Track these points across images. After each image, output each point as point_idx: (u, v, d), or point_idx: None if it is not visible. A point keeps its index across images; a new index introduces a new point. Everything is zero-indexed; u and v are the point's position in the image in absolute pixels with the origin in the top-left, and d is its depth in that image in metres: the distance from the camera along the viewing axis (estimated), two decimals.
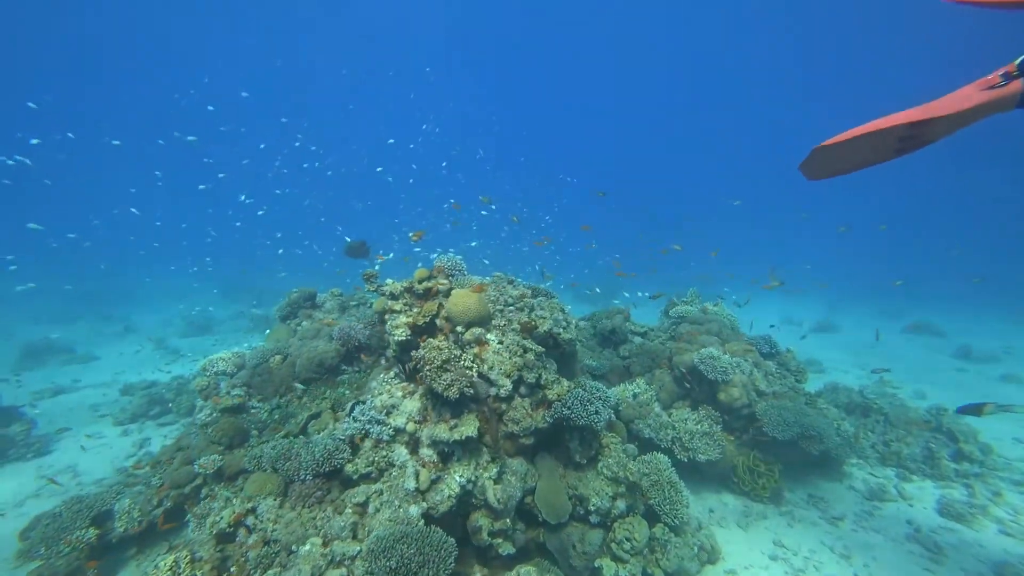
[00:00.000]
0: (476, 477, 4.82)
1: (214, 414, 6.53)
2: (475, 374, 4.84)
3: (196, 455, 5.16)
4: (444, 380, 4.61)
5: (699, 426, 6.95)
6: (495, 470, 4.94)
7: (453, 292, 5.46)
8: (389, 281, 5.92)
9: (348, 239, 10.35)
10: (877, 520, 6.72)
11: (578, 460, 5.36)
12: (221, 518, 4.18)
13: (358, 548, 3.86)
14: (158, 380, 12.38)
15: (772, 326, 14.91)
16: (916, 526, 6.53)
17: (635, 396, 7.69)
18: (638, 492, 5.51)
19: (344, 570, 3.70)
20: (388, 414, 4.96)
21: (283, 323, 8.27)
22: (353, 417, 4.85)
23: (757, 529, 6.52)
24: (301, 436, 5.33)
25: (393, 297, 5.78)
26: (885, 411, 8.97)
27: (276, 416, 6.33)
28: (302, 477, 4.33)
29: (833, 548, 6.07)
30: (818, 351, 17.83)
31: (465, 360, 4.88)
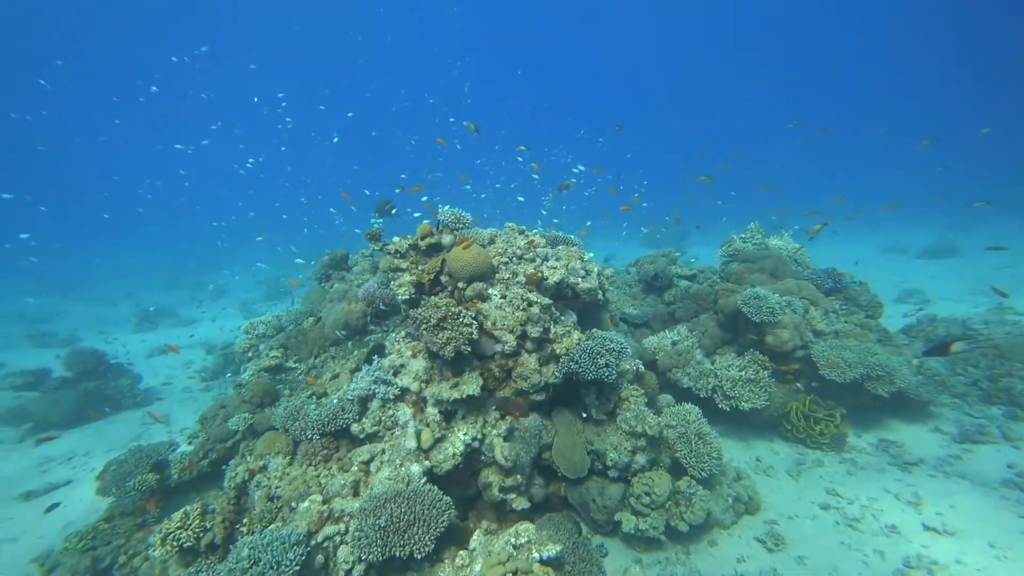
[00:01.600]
0: (484, 434, 4.69)
1: (255, 374, 6.94)
2: (474, 331, 4.58)
3: (231, 413, 5.51)
4: (440, 338, 4.40)
5: (743, 372, 6.30)
6: (504, 427, 4.77)
7: (457, 246, 5.15)
8: (395, 239, 5.72)
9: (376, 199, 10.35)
10: (965, 464, 5.83)
11: (595, 415, 5.05)
12: (236, 474, 4.43)
13: (357, 505, 3.91)
14: (233, 341, 13.54)
15: (857, 263, 13.16)
16: (1020, 470, 5.58)
17: (674, 344, 7.11)
18: (662, 445, 5.13)
19: (342, 526, 3.78)
20: (396, 374, 4.90)
21: (318, 285, 8.49)
22: (361, 377, 4.84)
23: (810, 478, 5.93)
24: (323, 396, 5.48)
25: (399, 255, 5.59)
26: (995, 342, 7.61)
27: (310, 375, 6.58)
28: (308, 436, 4.43)
29: (899, 495, 5.35)
30: (926, 280, 15.55)
31: (464, 317, 4.63)
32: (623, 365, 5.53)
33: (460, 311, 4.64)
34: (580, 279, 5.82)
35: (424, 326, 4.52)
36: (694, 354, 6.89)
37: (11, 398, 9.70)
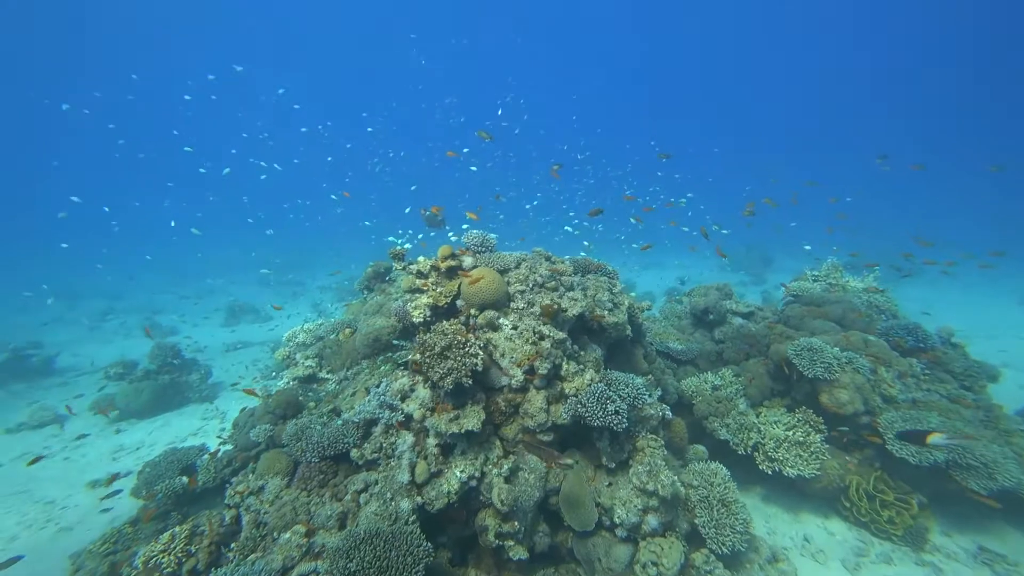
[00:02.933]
0: (484, 472, 4.41)
1: (290, 382, 7.16)
2: (479, 362, 4.36)
3: (256, 422, 5.66)
4: (441, 368, 4.22)
5: (791, 432, 5.49)
6: (507, 466, 4.46)
7: (472, 271, 4.98)
8: (420, 259, 5.67)
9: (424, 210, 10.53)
10: None
11: (606, 463, 4.59)
12: (235, 492, 4.48)
13: (337, 541, 3.77)
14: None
15: (926, 312, 11.33)
16: None
17: (715, 388, 6.40)
18: (680, 507, 4.54)
19: (318, 564, 3.64)
20: (404, 399, 4.77)
21: (362, 296, 8.69)
22: (368, 400, 4.77)
23: (870, 573, 4.97)
24: (338, 413, 5.48)
25: (421, 275, 5.53)
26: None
27: (341, 388, 6.66)
28: (308, 458, 4.39)
29: None
30: None
31: (471, 347, 4.42)
32: (645, 411, 5.04)
33: (467, 340, 4.44)
34: (607, 312, 5.43)
35: (428, 353, 4.37)
36: (737, 403, 6.16)
37: (105, 386, 10.88)
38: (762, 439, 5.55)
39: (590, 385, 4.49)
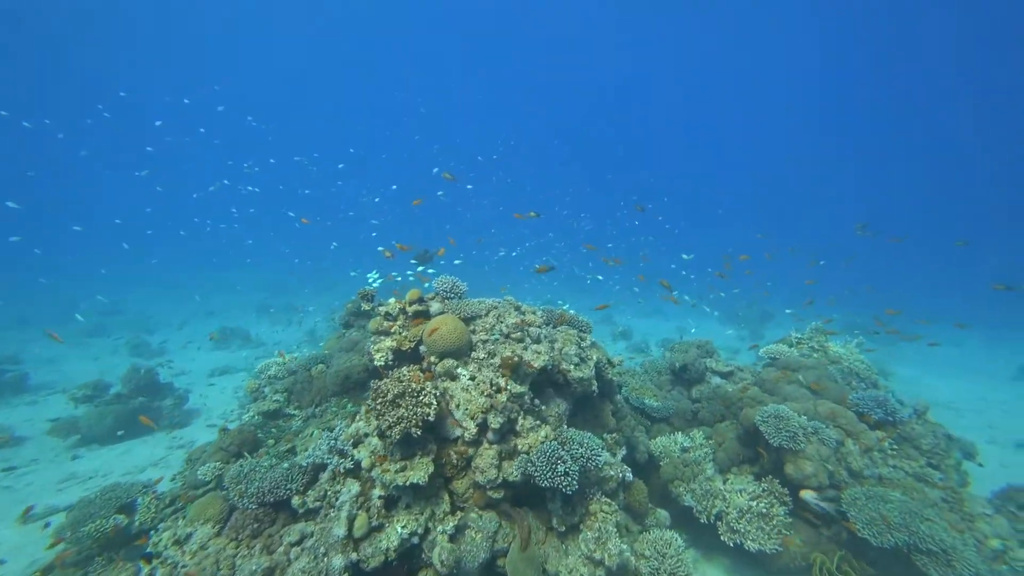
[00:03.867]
0: (427, 529, 4.21)
1: (256, 416, 6.98)
2: (432, 412, 4.24)
3: (208, 459, 5.46)
4: (390, 417, 4.11)
5: (755, 503, 5.28)
6: (452, 524, 4.26)
7: (435, 318, 4.95)
8: (391, 300, 5.65)
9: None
10: None
11: (556, 525, 4.39)
12: (160, 539, 4.23)
13: None
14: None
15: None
16: None
17: (684, 450, 6.22)
18: None
19: None
20: (356, 444, 4.62)
21: (342, 331, 8.60)
22: (319, 444, 4.62)
23: None
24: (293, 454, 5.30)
25: (390, 317, 5.49)
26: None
27: (305, 427, 6.47)
28: (245, 504, 4.19)
29: None
30: None
31: (425, 395, 4.32)
32: (604, 471, 4.88)
33: (421, 388, 4.35)
34: (573, 366, 5.34)
35: (380, 399, 4.26)
36: (705, 467, 5.96)
37: (70, 409, 10.57)
38: (726, 508, 5.33)
39: (543, 443, 4.35)
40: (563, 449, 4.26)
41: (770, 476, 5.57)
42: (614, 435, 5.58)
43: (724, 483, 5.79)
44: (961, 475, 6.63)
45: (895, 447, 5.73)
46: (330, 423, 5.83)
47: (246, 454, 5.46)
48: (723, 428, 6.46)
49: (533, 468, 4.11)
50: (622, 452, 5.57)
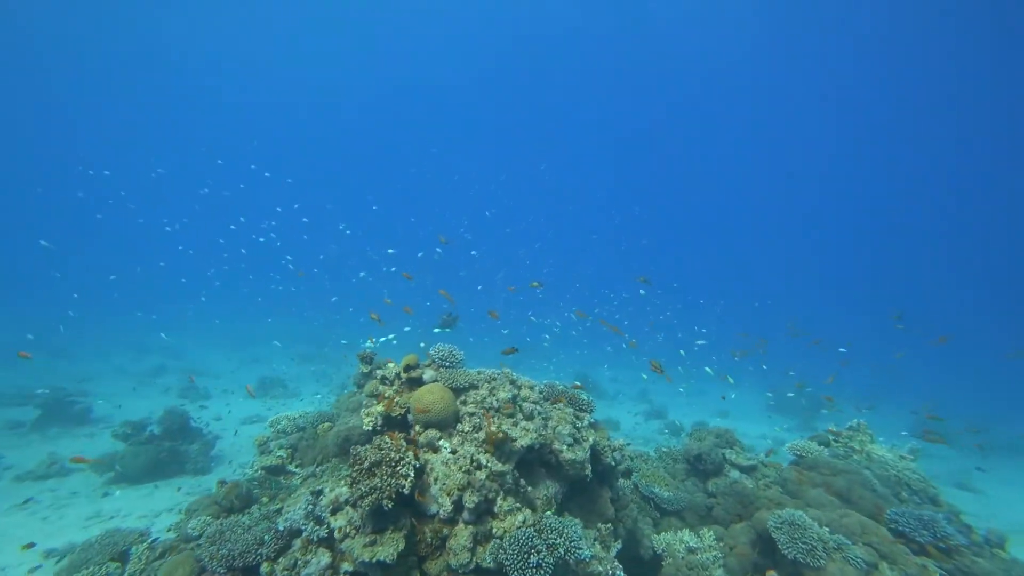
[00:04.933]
0: None
1: (258, 471, 6.98)
2: (408, 485, 4.08)
3: (201, 512, 5.45)
4: (363, 486, 3.99)
5: None
6: None
7: (423, 386, 4.90)
8: (391, 364, 5.68)
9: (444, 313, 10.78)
10: None
11: None
12: None
13: None
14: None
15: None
16: None
17: (690, 551, 5.56)
18: None
19: None
20: (334, 512, 4.48)
21: (355, 390, 8.66)
22: (297, 508, 4.52)
23: None
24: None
25: (386, 381, 5.49)
26: None
27: (301, 486, 6.39)
28: (213, 568, 4.07)
29: None
30: None
31: (403, 467, 4.19)
32: (592, 567, 4.43)
33: (400, 458, 4.23)
34: (566, 447, 5.06)
35: (356, 466, 4.17)
36: (713, 572, 5.27)
37: (110, 445, 11.08)
38: None
39: (519, 529, 4.04)
40: (539, 537, 3.93)
41: None
42: (608, 526, 5.10)
43: None
44: None
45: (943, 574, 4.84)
46: (322, 485, 5.73)
47: (236, 510, 5.41)
48: (737, 530, 5.77)
49: (504, 556, 3.79)
50: (617, 546, 5.05)
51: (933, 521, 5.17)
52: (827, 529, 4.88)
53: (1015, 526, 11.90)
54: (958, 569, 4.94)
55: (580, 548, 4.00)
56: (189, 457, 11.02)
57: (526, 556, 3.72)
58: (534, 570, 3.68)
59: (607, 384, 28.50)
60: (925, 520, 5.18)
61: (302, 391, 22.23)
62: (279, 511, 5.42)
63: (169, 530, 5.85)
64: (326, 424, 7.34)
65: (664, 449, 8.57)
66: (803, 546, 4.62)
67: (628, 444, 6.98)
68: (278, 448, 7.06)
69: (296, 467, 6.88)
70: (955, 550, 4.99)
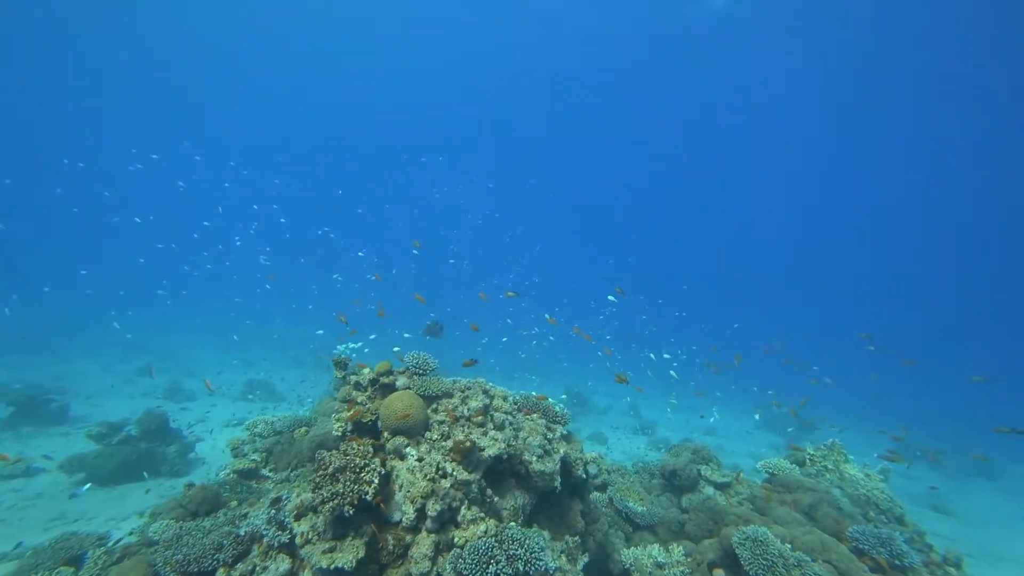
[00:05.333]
0: None
1: (231, 474, 6.89)
2: (372, 491, 4.06)
3: (165, 516, 5.35)
4: (325, 491, 3.96)
5: None
6: None
7: (394, 393, 4.89)
8: (365, 369, 5.66)
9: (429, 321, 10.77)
10: None
11: None
12: None
13: None
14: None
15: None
16: None
17: (658, 566, 5.54)
18: None
19: None
20: (298, 517, 4.43)
21: (334, 394, 8.60)
22: (259, 513, 4.47)
23: None
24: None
25: (359, 387, 5.47)
26: None
27: (276, 490, 6.31)
28: (166, 573, 3.99)
29: None
30: None
31: (368, 473, 4.16)
32: None
33: (365, 464, 4.20)
34: (535, 458, 5.05)
35: (321, 471, 4.14)
36: None
37: (84, 445, 10.85)
38: None
39: (480, 539, 4.02)
40: (500, 548, 3.91)
41: None
42: (577, 539, 5.08)
43: None
44: None
45: None
46: (292, 490, 5.66)
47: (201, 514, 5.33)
48: (705, 546, 5.75)
49: (463, 566, 3.76)
50: (584, 559, 5.02)
51: (890, 539, 5.22)
52: (789, 546, 4.88)
53: (981, 548, 11.99)
54: None
55: (541, 559, 3.97)
56: (166, 459, 10.82)
57: (485, 566, 3.70)
58: None
59: (598, 398, 28.30)
60: (883, 538, 5.23)
61: (288, 395, 21.96)
62: (245, 516, 5.36)
63: (131, 534, 5.72)
64: (303, 429, 7.28)
65: (641, 464, 8.56)
66: (764, 562, 4.62)
67: (603, 457, 6.97)
68: (252, 451, 6.98)
69: (270, 471, 6.80)
70: (910, 568, 5.03)
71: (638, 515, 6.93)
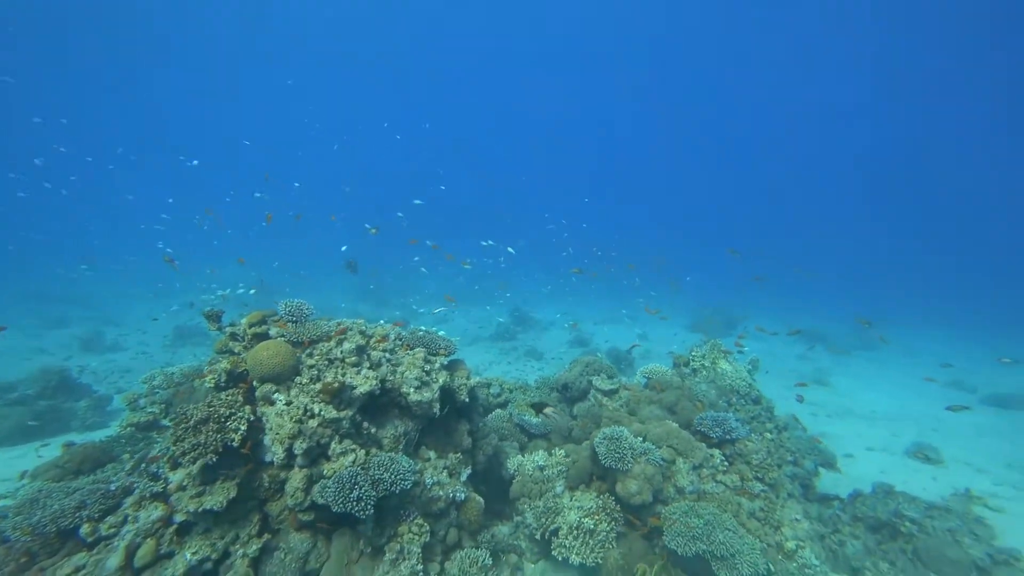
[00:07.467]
0: (227, 553, 4.03)
1: (127, 428, 6.67)
2: (237, 438, 4.07)
3: (40, 478, 5.15)
4: (184, 444, 3.92)
5: (586, 519, 5.24)
6: (257, 547, 4.09)
7: (263, 342, 4.77)
8: (243, 320, 5.44)
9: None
10: None
11: (363, 548, 4.26)
12: None
13: None
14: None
15: (800, 398, 11.44)
16: None
17: (540, 468, 6.16)
18: None
19: None
20: (174, 467, 4.41)
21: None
22: (132, 467, 4.40)
23: None
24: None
25: (236, 338, 5.28)
26: (917, 540, 5.98)
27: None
28: (17, 538, 3.86)
29: None
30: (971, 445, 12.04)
31: (233, 421, 4.14)
32: (433, 492, 4.78)
33: (229, 414, 4.17)
34: (412, 390, 5.21)
35: (182, 425, 4.07)
36: (554, 485, 5.90)
37: None
38: (558, 524, 5.28)
39: (347, 468, 4.22)
40: (367, 473, 4.13)
41: (607, 494, 5.55)
42: (458, 455, 5.47)
43: (571, 500, 5.73)
44: (803, 485, 6.76)
45: (725, 463, 5.78)
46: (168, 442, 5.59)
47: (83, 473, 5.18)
48: (582, 447, 6.42)
49: (327, 493, 3.97)
50: (467, 471, 5.45)
51: (724, 420, 6.10)
52: (640, 439, 5.56)
53: (838, 407, 14.50)
54: (735, 452, 5.95)
55: (406, 479, 4.26)
56: (76, 415, 10.26)
57: (347, 491, 3.91)
58: (355, 503, 3.89)
59: (540, 315, 28.63)
60: (719, 420, 6.08)
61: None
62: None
63: (3, 497, 5.51)
64: (205, 377, 7.05)
65: (542, 379, 9.17)
66: (616, 455, 5.26)
67: (490, 381, 7.34)
68: (149, 404, 6.72)
69: (171, 422, 6.63)
70: (737, 439, 5.95)
71: (532, 426, 7.53)
